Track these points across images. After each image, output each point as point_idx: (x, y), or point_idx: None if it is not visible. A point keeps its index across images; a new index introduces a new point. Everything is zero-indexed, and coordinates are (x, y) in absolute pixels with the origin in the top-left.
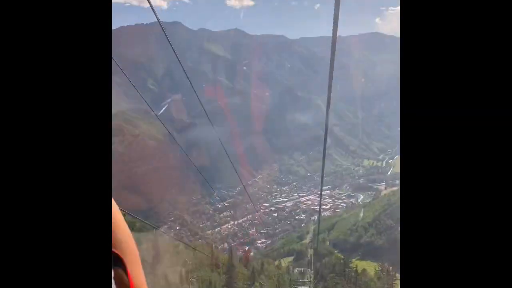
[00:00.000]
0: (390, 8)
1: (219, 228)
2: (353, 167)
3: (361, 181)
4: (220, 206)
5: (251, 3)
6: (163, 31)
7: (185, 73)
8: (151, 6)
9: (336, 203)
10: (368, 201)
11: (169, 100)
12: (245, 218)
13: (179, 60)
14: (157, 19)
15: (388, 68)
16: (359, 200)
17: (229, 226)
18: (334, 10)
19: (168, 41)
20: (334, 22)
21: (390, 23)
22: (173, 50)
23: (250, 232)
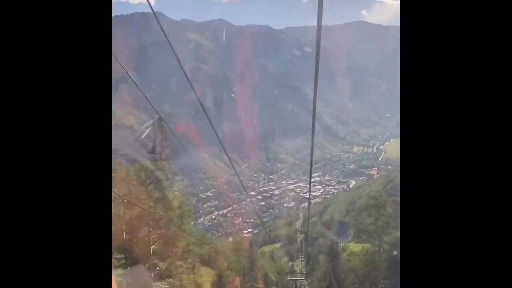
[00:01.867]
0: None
1: (201, 219)
2: (343, 154)
3: (352, 167)
4: (203, 196)
5: None
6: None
7: (185, 75)
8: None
9: (327, 189)
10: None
11: (150, 90)
12: (231, 208)
13: (178, 60)
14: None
15: (375, 56)
16: (350, 186)
17: (213, 217)
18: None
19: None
20: (318, 18)
21: (377, 14)
22: (174, 53)
23: (236, 222)
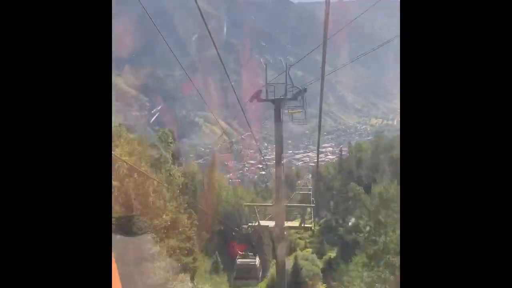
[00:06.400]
0: None
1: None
2: (359, 125)
3: (370, 138)
4: (194, 164)
5: None
6: None
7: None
8: None
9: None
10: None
11: (146, 55)
12: (224, 177)
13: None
14: None
15: (391, 31)
16: None
17: None
18: None
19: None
20: None
21: None
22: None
23: None
